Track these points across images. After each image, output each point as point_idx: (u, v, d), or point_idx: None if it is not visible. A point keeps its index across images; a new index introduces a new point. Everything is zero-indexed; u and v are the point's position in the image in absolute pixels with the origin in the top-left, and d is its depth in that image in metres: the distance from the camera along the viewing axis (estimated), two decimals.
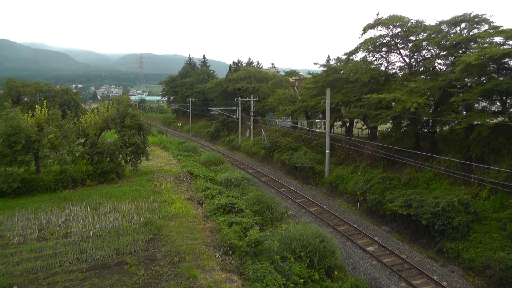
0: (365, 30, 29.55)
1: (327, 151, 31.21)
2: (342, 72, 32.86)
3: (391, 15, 28.45)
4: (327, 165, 31.27)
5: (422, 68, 27.97)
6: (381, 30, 28.89)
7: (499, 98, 22.19)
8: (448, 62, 25.78)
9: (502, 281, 15.48)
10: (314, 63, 42.72)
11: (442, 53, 25.51)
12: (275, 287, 12.32)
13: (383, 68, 30.85)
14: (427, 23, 27.80)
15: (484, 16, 23.69)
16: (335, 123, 37.69)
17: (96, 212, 18.15)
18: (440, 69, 26.91)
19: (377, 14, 28.73)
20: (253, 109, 51.22)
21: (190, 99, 76.11)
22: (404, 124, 26.92)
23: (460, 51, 23.40)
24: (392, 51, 29.67)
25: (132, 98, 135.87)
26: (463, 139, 23.11)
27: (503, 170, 19.03)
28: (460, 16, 24.90)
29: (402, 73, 29.94)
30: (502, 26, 22.43)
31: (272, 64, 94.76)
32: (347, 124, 35.20)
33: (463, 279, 16.72)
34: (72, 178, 23.72)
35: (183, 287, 11.34)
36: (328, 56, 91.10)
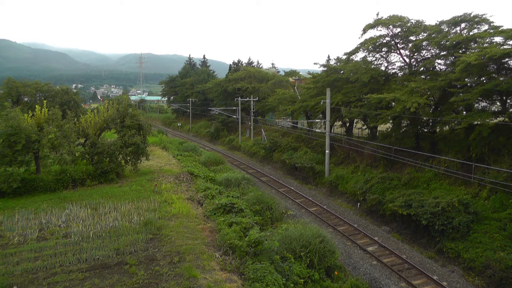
0: (365, 30, 29.54)
1: (327, 151, 31.20)
2: (342, 72, 32.86)
3: (391, 15, 28.44)
4: (327, 165, 31.27)
5: (422, 68, 27.96)
6: (381, 30, 28.92)
7: (499, 98, 22.20)
8: (448, 62, 25.77)
9: (502, 281, 15.48)
10: (314, 63, 42.79)
11: (442, 53, 25.50)
12: (275, 287, 12.32)
13: (383, 68, 30.85)
14: (427, 23, 27.80)
15: (484, 16, 23.70)
16: (335, 123, 37.68)
17: (96, 212, 18.14)
18: (440, 69, 26.91)
19: (377, 14, 28.76)
20: (253, 109, 51.20)
21: (190, 99, 76.14)
22: (404, 124, 26.92)
23: (460, 51, 23.39)
24: (392, 51, 29.67)
25: (132, 98, 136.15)
26: (463, 139, 23.12)
27: (503, 170, 19.03)
28: (460, 16, 24.90)
29: (402, 73, 29.93)
30: (502, 26, 22.43)
31: (272, 64, 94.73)
32: (347, 124, 35.21)
33: (463, 279, 16.73)
34: (72, 178, 23.72)
35: (183, 287, 11.33)
36: (328, 56, 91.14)
